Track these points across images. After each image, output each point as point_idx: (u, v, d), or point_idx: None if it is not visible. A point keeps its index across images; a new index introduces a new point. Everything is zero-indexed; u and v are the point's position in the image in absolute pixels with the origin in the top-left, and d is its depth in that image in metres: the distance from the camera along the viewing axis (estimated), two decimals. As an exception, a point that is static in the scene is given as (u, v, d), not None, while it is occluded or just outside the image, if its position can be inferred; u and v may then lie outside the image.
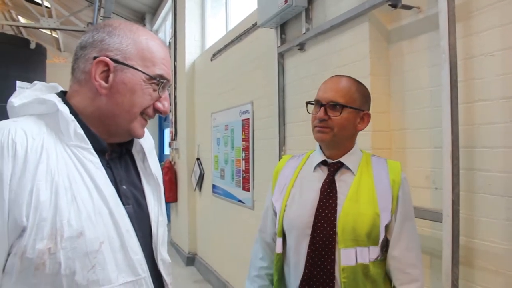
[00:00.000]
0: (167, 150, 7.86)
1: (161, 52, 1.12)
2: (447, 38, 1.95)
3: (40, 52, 10.79)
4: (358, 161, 1.66)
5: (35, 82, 1.15)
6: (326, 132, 1.60)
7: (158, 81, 1.10)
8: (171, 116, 7.49)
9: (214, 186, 5.58)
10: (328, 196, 1.60)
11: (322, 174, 1.67)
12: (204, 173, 6.10)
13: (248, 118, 4.43)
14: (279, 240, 1.70)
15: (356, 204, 1.56)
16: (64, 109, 1.03)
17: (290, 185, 1.72)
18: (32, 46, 10.22)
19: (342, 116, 1.58)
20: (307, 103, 1.73)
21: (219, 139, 5.36)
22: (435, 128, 2.17)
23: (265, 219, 1.85)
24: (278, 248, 1.70)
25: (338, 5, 2.83)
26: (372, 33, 2.50)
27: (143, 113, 1.12)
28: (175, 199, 7.12)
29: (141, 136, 1.15)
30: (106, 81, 1.06)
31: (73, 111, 1.06)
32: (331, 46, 2.90)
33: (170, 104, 1.19)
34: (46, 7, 9.90)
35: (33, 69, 10.26)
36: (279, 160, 1.99)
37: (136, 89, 1.07)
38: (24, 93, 1.10)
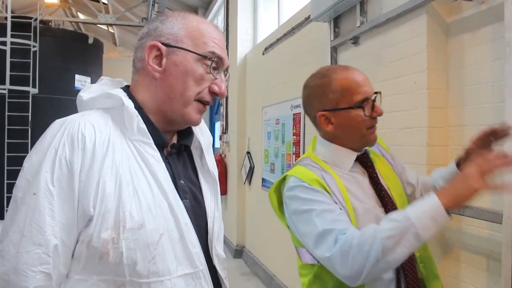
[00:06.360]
0: (217, 143, 7.95)
1: (212, 33, 1.12)
2: (513, 30, 1.85)
3: (97, 47, 11.24)
4: None
5: (101, 77, 1.19)
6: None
7: (210, 60, 1.09)
8: (222, 110, 7.57)
9: (263, 180, 5.60)
10: (380, 187, 1.53)
11: (358, 170, 1.55)
12: (254, 167, 6.13)
13: (300, 113, 4.40)
14: None
15: (391, 181, 1.57)
16: (129, 104, 1.06)
17: (346, 198, 1.44)
18: (90, 41, 10.66)
19: None
20: (353, 107, 1.46)
21: (270, 133, 5.36)
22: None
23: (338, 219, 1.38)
24: None
25: (395, -3, 2.75)
26: (430, 26, 2.42)
27: (199, 99, 1.11)
28: (224, 192, 7.20)
29: (196, 122, 1.15)
30: (160, 65, 1.09)
31: (137, 105, 1.09)
32: (386, 40, 2.83)
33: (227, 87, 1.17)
34: (103, 3, 10.26)
35: (91, 63, 10.71)
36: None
37: (188, 70, 1.08)
38: (92, 88, 1.14)
